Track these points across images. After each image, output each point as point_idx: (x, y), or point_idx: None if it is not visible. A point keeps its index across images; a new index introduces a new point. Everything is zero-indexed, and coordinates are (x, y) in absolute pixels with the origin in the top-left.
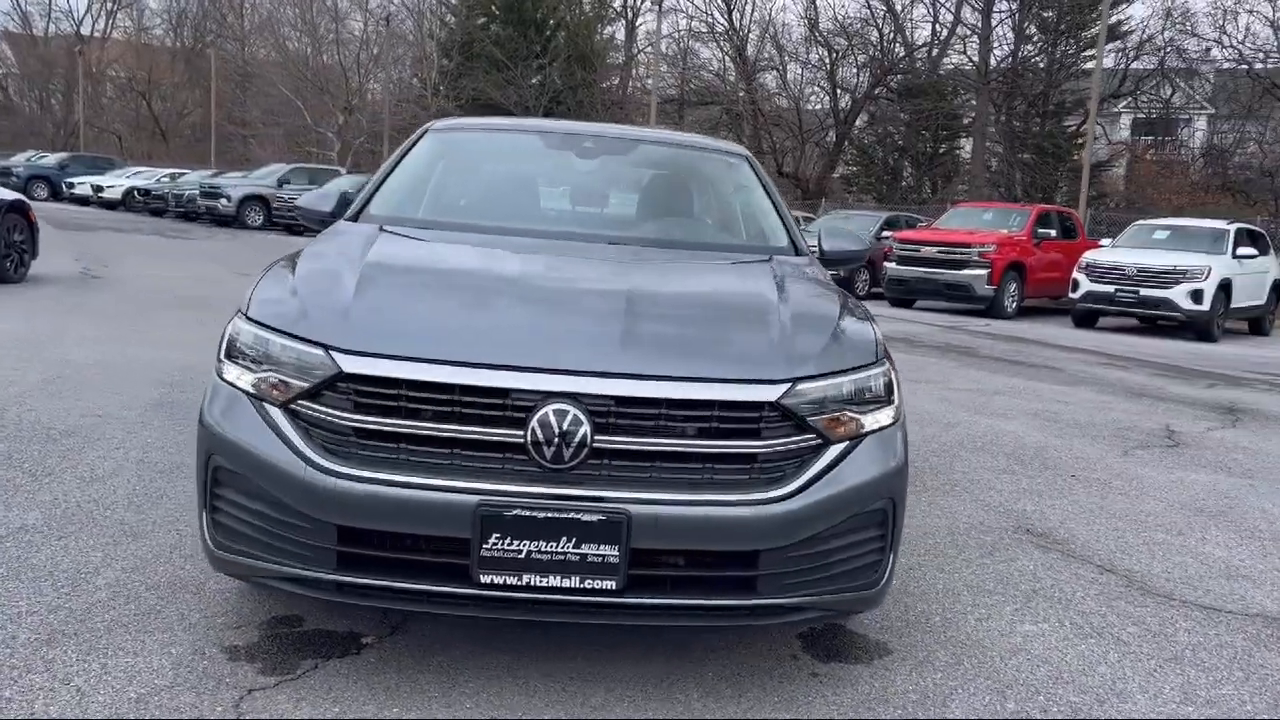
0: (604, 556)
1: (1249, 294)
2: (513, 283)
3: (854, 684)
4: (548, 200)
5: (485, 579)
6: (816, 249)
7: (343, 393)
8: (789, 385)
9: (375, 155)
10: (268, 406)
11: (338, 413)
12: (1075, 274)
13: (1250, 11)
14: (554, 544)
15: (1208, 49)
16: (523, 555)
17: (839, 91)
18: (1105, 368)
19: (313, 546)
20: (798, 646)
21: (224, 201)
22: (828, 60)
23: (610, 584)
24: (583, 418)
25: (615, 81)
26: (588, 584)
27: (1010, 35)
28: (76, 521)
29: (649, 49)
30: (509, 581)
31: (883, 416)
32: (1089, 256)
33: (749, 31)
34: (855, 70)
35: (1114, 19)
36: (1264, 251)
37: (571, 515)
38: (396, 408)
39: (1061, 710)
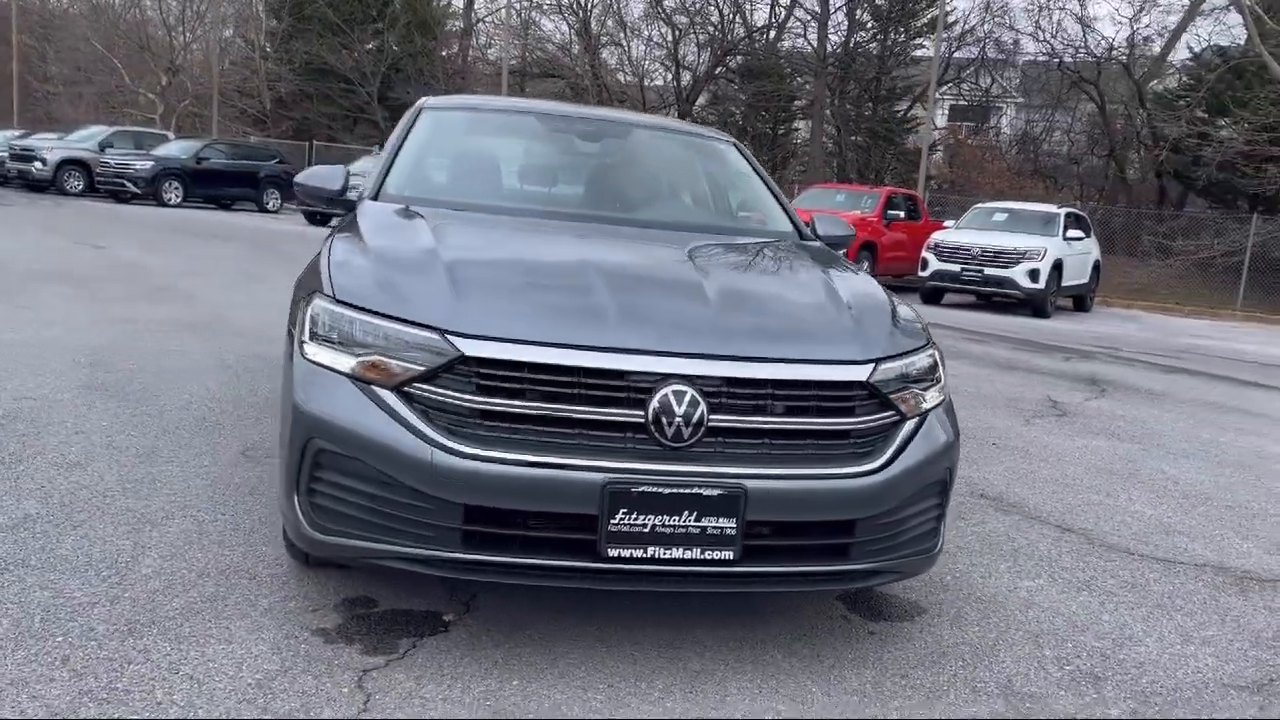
0: (722, 529)
1: (1076, 273)
2: (596, 268)
3: (909, 640)
4: (564, 183)
5: (613, 553)
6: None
7: (464, 376)
8: (874, 366)
9: (203, 120)
10: (377, 390)
11: (460, 395)
12: (924, 253)
13: (1062, 9)
14: (676, 518)
15: (1017, 40)
16: (647, 529)
17: (681, 70)
18: (968, 342)
19: (436, 526)
20: (843, 609)
21: (38, 165)
22: (669, 38)
23: (728, 554)
24: (699, 398)
25: (455, 50)
26: (707, 555)
27: (845, 21)
28: (83, 510)
29: (491, 18)
30: (634, 555)
31: (936, 394)
32: (937, 237)
33: (593, 6)
34: (696, 49)
35: (938, 11)
36: (1087, 234)
37: (694, 490)
38: (521, 390)
39: (1092, 654)
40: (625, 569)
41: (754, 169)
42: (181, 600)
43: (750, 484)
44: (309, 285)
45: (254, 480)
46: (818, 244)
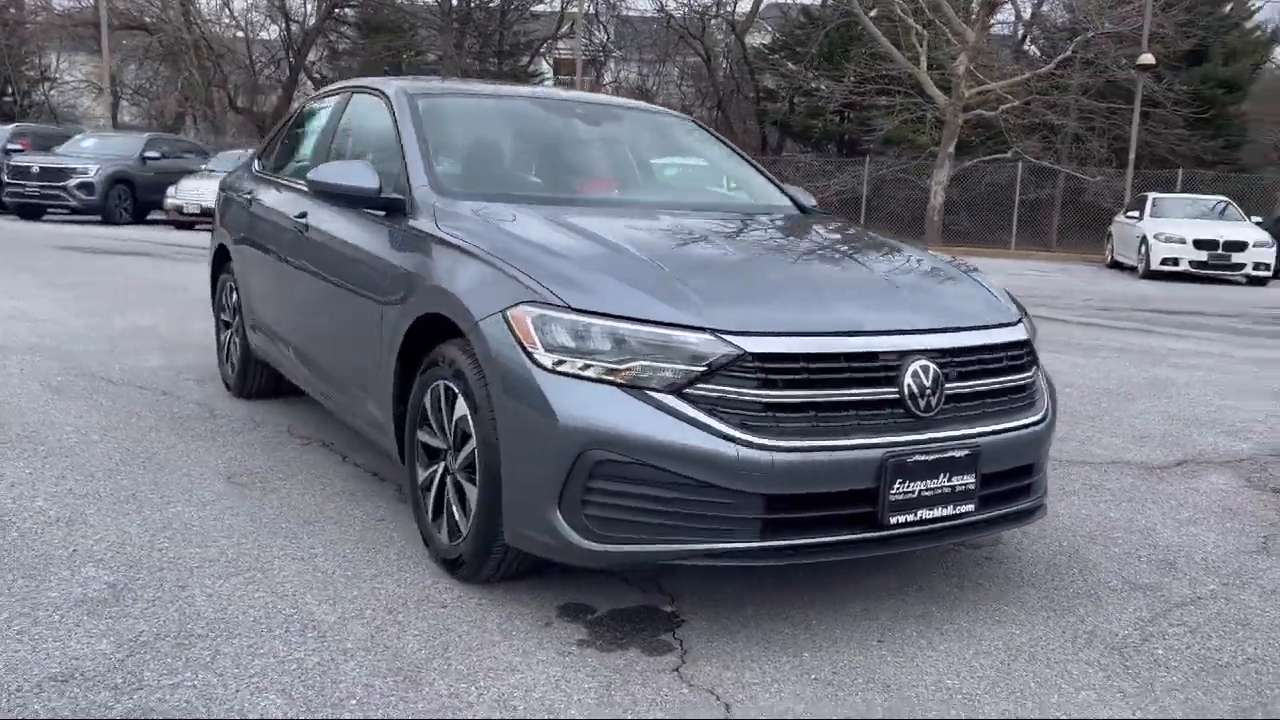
0: (966, 485)
1: None
2: (765, 259)
3: (1015, 559)
4: (600, 173)
5: (892, 520)
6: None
7: (747, 372)
8: (1023, 325)
9: None
10: (653, 394)
11: (745, 391)
12: None
13: None
14: (935, 481)
15: None
16: (915, 495)
17: (290, 21)
18: None
19: (736, 519)
20: (979, 555)
21: None
22: None
23: (970, 507)
24: (936, 369)
25: None
26: (957, 510)
27: None
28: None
29: None
30: (908, 519)
31: None
32: None
33: None
34: (304, 2)
35: None
36: None
37: (949, 454)
38: (801, 380)
39: (1200, 560)
40: (901, 534)
41: (729, 146)
42: (414, 643)
43: (983, 441)
44: (482, 297)
45: (312, 510)
46: (828, 215)
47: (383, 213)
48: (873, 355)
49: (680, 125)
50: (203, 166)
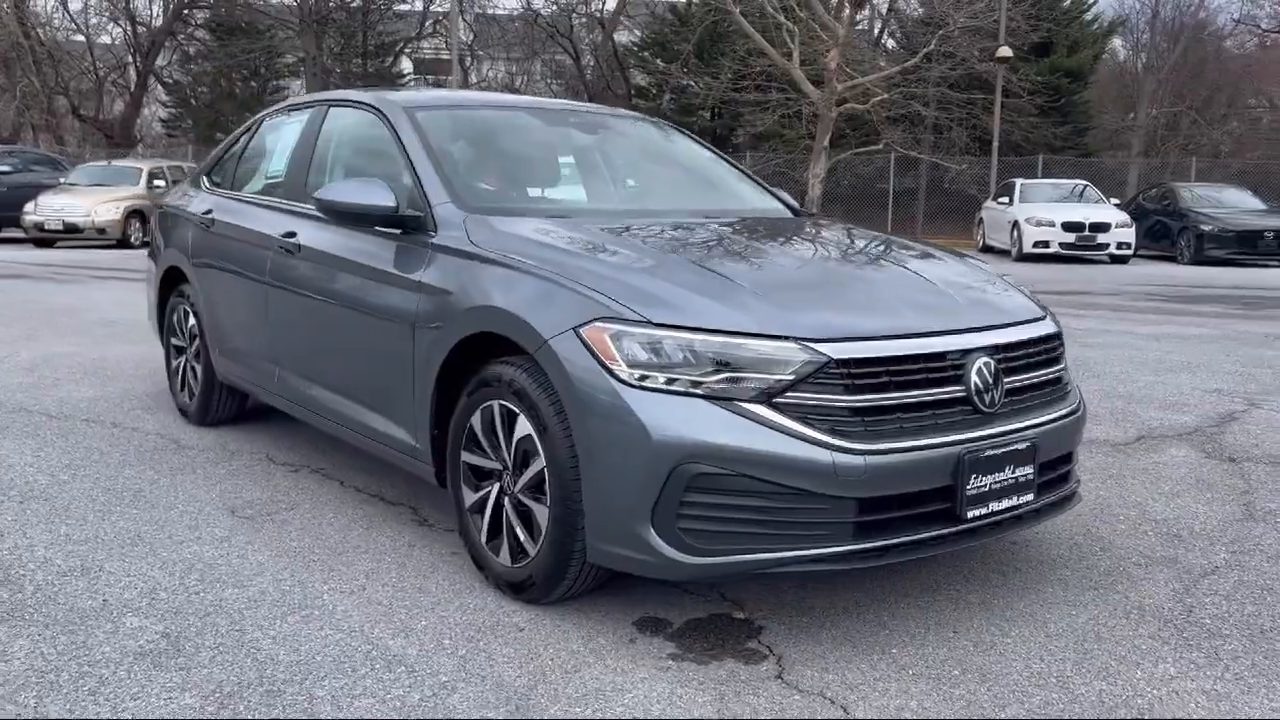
0: (1027, 476)
1: None
2: (813, 265)
3: (1047, 537)
4: (615, 183)
5: (969, 514)
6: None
7: (833, 378)
8: (1049, 319)
9: None
10: (743, 405)
11: (833, 397)
12: None
13: None
14: (1002, 473)
15: None
16: (987, 488)
17: (136, 24)
18: None
19: (829, 524)
20: (1004, 541)
21: None
22: None
23: (1030, 496)
24: (995, 365)
25: None
26: (1019, 500)
27: None
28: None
29: None
30: (981, 513)
31: None
32: None
33: None
34: (149, 3)
35: None
36: None
37: (1013, 447)
38: (884, 383)
39: (1200, 531)
40: (976, 526)
41: (712, 150)
42: (509, 670)
43: (1038, 432)
44: (547, 314)
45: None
46: (822, 216)
47: (398, 230)
48: (941, 355)
49: (660, 130)
50: (61, 180)
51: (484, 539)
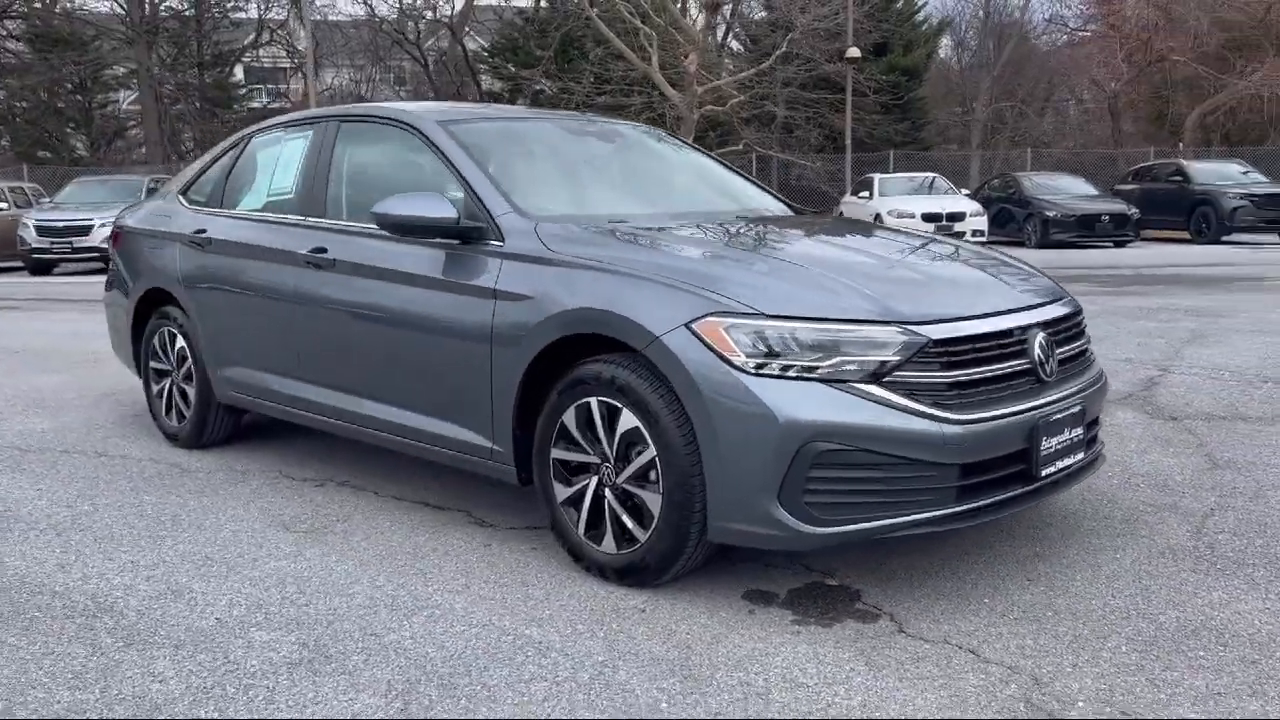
0: (1080, 436)
1: None
2: (876, 256)
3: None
4: (640, 186)
5: (1044, 473)
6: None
7: (932, 357)
8: (1070, 297)
9: None
10: (857, 385)
11: (933, 374)
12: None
13: None
14: (1064, 435)
15: None
16: (1054, 449)
17: None
18: None
19: (935, 489)
20: (1065, 498)
21: None
22: None
23: (1081, 454)
24: (1049, 338)
25: None
26: (1075, 457)
27: None
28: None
29: None
30: (1050, 470)
31: None
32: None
33: None
34: None
35: None
36: None
37: (1071, 410)
38: (973, 359)
39: (1181, 480)
40: (1048, 483)
41: (711, 155)
42: (659, 648)
43: (1084, 396)
44: (655, 313)
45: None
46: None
47: (457, 241)
48: (1009, 332)
49: (663, 139)
50: None
51: (581, 530)
